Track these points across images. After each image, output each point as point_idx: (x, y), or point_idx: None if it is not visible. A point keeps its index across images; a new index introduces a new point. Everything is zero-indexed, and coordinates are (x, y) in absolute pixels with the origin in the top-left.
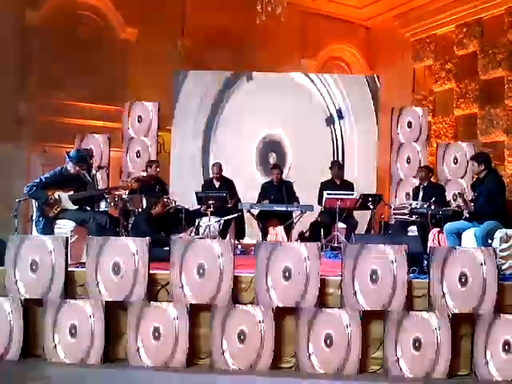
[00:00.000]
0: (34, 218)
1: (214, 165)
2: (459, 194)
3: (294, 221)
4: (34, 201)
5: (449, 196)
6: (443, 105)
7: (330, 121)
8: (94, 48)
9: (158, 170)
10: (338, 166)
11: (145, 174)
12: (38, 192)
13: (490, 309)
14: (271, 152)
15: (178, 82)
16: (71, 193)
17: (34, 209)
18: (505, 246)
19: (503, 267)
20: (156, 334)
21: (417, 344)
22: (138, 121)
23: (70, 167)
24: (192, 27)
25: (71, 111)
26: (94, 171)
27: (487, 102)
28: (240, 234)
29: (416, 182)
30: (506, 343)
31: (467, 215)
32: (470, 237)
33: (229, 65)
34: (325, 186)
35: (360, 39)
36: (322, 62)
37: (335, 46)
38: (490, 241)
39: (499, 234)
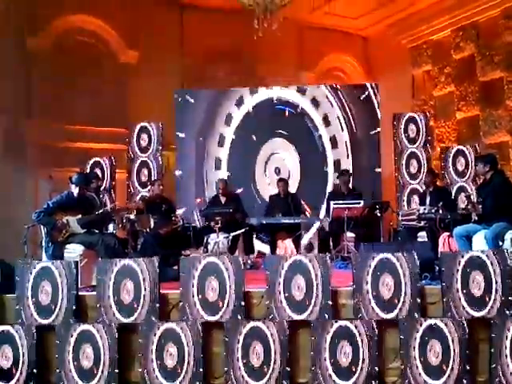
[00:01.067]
0: (43, 243)
1: (218, 181)
2: (467, 196)
3: (305, 233)
4: (42, 226)
5: (456, 199)
6: (444, 109)
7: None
8: (96, 72)
9: (161, 187)
10: (347, 175)
11: (148, 193)
12: (46, 218)
13: (506, 312)
14: (276, 168)
15: (179, 100)
16: (79, 217)
17: (43, 234)
18: None
19: None
20: (169, 355)
21: (433, 352)
22: (142, 141)
23: (74, 191)
24: (191, 46)
25: (75, 135)
26: (101, 193)
27: (488, 104)
28: (249, 248)
29: (423, 187)
30: None
31: (476, 218)
32: (480, 239)
33: (229, 81)
34: (332, 195)
35: (357, 49)
36: (321, 73)
37: (333, 57)
38: (500, 242)
39: (509, 235)
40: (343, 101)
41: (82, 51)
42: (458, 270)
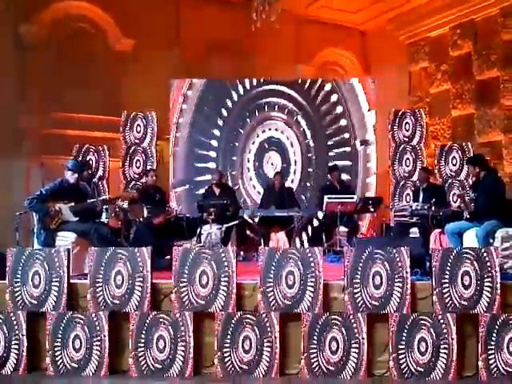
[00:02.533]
0: (35, 230)
1: (213, 172)
2: (459, 194)
3: (296, 226)
4: (34, 213)
5: (449, 197)
6: (440, 106)
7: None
8: (91, 59)
9: (155, 178)
10: (337, 170)
11: (144, 181)
12: (39, 205)
13: (494, 308)
14: (271, 158)
15: (174, 90)
16: (72, 204)
17: (35, 221)
18: (506, 245)
19: (505, 266)
20: (161, 344)
21: (422, 346)
22: (137, 131)
23: (70, 177)
24: (188, 36)
25: (70, 123)
26: (94, 182)
27: (483, 102)
28: (241, 240)
29: (416, 184)
30: (511, 342)
31: (468, 215)
32: (471, 237)
33: (225, 72)
34: (325, 190)
35: (355, 43)
36: (318, 66)
37: (330, 51)
38: (491, 240)
39: (500, 233)
40: (339, 95)
41: (77, 38)
42: (447, 266)
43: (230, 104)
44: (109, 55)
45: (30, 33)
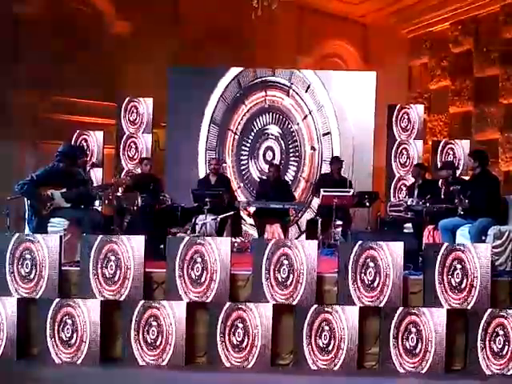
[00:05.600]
0: (26, 216)
1: (211, 159)
2: (454, 190)
3: (291, 219)
4: (25, 199)
5: (443, 193)
6: (438, 102)
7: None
8: (88, 43)
9: (149, 166)
10: (338, 162)
11: (138, 170)
12: (30, 190)
13: (484, 304)
14: (267, 149)
15: (173, 78)
16: (64, 190)
17: (26, 207)
18: (498, 242)
19: (496, 263)
20: (153, 333)
21: (412, 339)
22: (133, 117)
23: (62, 163)
24: (188, 23)
25: (64, 107)
26: (88, 168)
27: (482, 100)
28: (236, 231)
29: (412, 179)
30: (499, 338)
31: (461, 212)
32: (464, 233)
33: (225, 61)
34: (324, 179)
35: (356, 36)
36: (318, 58)
37: (331, 43)
38: (483, 237)
39: (492, 230)
40: (339, 87)
41: (73, 19)
42: (439, 262)
43: (229, 92)
44: (106, 39)
45: (23, 11)
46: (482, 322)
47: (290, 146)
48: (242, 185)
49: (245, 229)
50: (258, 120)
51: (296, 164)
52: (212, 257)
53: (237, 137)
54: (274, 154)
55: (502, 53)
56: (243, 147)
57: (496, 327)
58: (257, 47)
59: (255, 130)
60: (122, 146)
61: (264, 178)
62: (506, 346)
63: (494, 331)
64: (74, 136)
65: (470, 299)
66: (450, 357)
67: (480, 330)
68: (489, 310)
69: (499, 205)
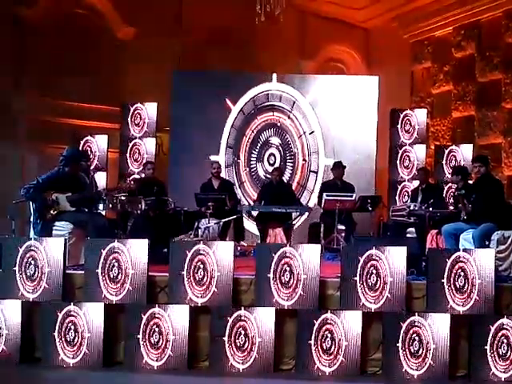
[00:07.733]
0: (31, 219)
1: (213, 163)
2: (458, 195)
3: (294, 222)
4: (30, 202)
5: (447, 198)
6: (441, 107)
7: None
8: (91, 47)
9: (152, 171)
10: (340, 167)
11: (142, 175)
12: (35, 193)
13: (488, 310)
14: (270, 155)
15: (178, 82)
16: (69, 194)
17: (31, 210)
18: (502, 247)
19: (500, 268)
20: (156, 337)
21: (415, 345)
22: (137, 121)
23: (67, 167)
24: (190, 27)
25: (68, 111)
26: (91, 172)
27: (484, 105)
28: (239, 235)
29: (415, 183)
30: (504, 344)
31: (465, 217)
32: (467, 238)
33: (228, 65)
34: (326, 186)
35: (358, 41)
36: (321, 62)
37: (333, 47)
38: (487, 242)
39: (496, 235)
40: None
41: (77, 24)
42: (443, 267)
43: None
44: (109, 42)
45: (27, 16)
46: (486, 327)
47: (288, 155)
48: (250, 179)
49: (247, 232)
50: (265, 132)
51: (291, 170)
52: (215, 261)
53: (249, 142)
54: (275, 159)
55: (505, 57)
56: (253, 151)
57: (500, 333)
58: (259, 51)
59: (262, 140)
60: (126, 150)
61: (267, 181)
62: (510, 352)
63: (498, 337)
64: (79, 140)
65: (473, 305)
66: (454, 363)
67: (484, 336)
68: (493, 316)
69: (503, 209)
